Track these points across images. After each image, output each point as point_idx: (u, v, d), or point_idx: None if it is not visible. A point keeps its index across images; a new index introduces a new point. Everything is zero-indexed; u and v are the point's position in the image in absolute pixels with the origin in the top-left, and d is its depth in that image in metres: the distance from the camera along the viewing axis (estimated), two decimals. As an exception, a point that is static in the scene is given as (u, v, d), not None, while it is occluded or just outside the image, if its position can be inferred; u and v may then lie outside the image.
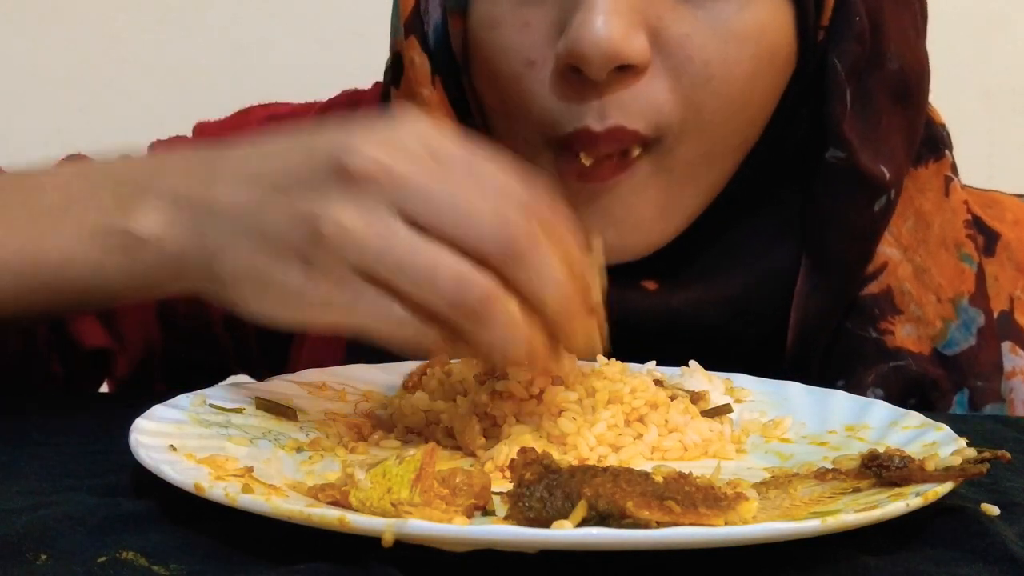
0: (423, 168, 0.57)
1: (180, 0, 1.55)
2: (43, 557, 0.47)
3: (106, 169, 0.71)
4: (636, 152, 0.76)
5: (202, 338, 0.89)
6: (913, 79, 0.83)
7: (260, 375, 0.89)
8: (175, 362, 0.89)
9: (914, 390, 0.81)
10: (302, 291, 0.58)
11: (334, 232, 0.57)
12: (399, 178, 0.57)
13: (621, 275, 0.77)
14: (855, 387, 0.80)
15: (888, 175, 0.80)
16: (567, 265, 0.58)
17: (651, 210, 0.78)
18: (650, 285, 0.81)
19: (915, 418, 0.65)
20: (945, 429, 0.62)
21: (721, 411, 0.68)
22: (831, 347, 0.82)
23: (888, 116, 0.81)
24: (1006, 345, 0.85)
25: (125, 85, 1.53)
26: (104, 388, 0.92)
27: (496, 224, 0.56)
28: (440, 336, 0.57)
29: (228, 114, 0.97)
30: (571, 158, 0.77)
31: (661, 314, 0.80)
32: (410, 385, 0.67)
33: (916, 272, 0.83)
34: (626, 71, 0.74)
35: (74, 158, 0.85)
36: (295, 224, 0.58)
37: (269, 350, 0.90)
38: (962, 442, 0.59)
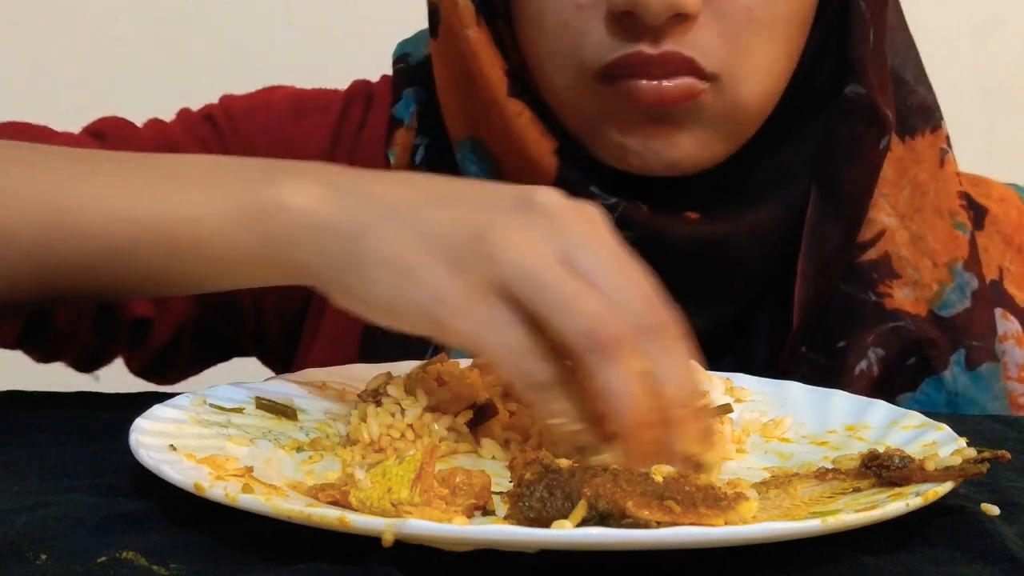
0: (593, 231, 0.59)
1: (180, 0, 1.55)
2: (43, 557, 0.47)
3: (244, 160, 0.70)
4: (699, 86, 0.78)
5: (229, 315, 0.90)
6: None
7: (271, 359, 0.93)
8: (200, 337, 0.90)
9: (913, 350, 0.83)
10: (440, 291, 0.58)
11: (500, 240, 0.57)
12: (574, 226, 0.58)
13: (667, 206, 0.83)
14: (856, 348, 0.83)
15: (891, 117, 0.84)
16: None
17: (717, 134, 0.81)
18: (692, 215, 0.83)
19: (915, 418, 0.65)
20: (945, 429, 0.62)
21: (721, 411, 0.68)
22: (832, 310, 0.84)
23: (887, 61, 0.86)
24: (997, 311, 0.88)
25: (125, 85, 1.53)
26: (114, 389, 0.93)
27: (645, 303, 0.56)
28: (554, 373, 0.56)
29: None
30: (628, 84, 0.78)
31: (700, 242, 0.83)
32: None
33: (912, 239, 0.86)
34: (680, 18, 0.76)
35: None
36: (459, 226, 0.59)
37: (286, 333, 0.91)
38: (962, 442, 0.59)
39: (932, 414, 0.67)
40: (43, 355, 0.86)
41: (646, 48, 0.77)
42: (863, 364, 0.83)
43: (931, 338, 0.84)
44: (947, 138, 0.89)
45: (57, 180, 0.68)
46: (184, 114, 0.93)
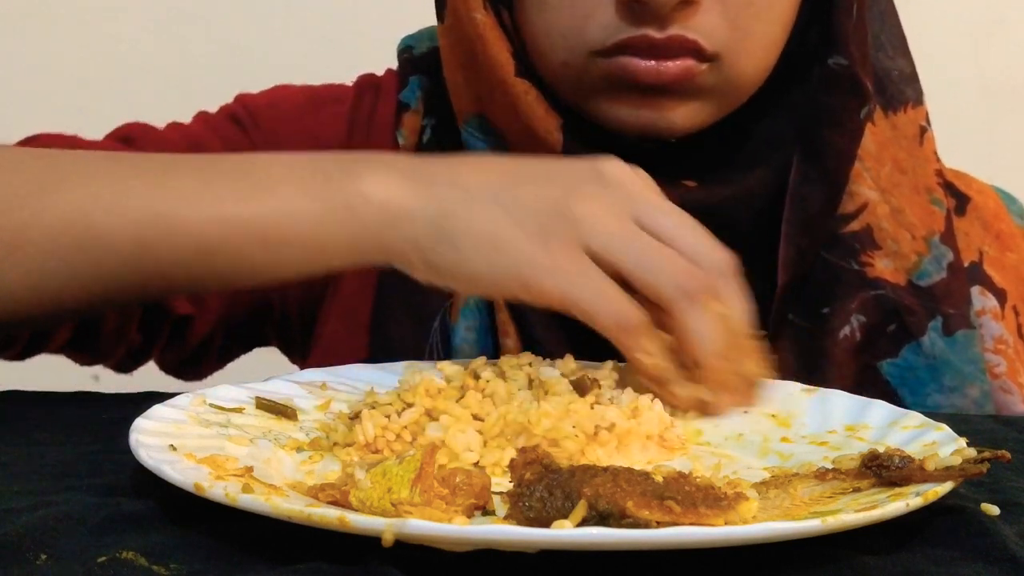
0: (653, 193, 0.70)
1: (180, 0, 1.55)
2: (43, 557, 0.47)
3: (315, 155, 0.75)
4: (698, 67, 0.81)
5: (259, 307, 0.93)
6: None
7: (291, 344, 0.95)
8: (232, 330, 0.93)
9: (893, 317, 0.88)
10: (530, 255, 0.66)
11: (584, 213, 0.67)
12: (639, 190, 0.70)
13: (665, 175, 0.85)
14: (839, 314, 0.87)
15: (871, 88, 0.87)
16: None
17: (709, 105, 0.84)
18: (689, 183, 0.87)
19: (915, 418, 0.65)
20: (945, 429, 0.62)
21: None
22: (817, 278, 0.88)
23: (868, 32, 0.89)
24: (976, 289, 0.93)
25: (125, 85, 1.53)
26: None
27: (709, 250, 0.68)
28: (643, 315, 0.66)
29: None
30: (625, 59, 0.81)
31: (697, 208, 0.85)
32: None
33: (893, 212, 0.90)
34: (686, 4, 0.80)
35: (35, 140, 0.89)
36: (540, 200, 0.68)
37: (304, 316, 0.93)
38: (962, 442, 0.59)
39: (932, 414, 0.67)
40: (90, 359, 0.89)
41: (652, 32, 0.80)
42: (846, 329, 0.87)
43: (910, 305, 0.88)
44: (927, 115, 0.92)
45: (144, 187, 0.71)
46: (203, 116, 0.95)
